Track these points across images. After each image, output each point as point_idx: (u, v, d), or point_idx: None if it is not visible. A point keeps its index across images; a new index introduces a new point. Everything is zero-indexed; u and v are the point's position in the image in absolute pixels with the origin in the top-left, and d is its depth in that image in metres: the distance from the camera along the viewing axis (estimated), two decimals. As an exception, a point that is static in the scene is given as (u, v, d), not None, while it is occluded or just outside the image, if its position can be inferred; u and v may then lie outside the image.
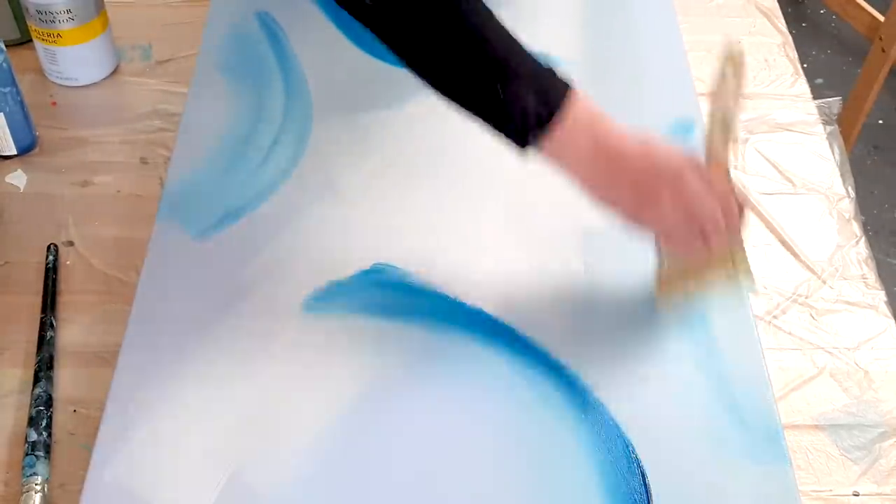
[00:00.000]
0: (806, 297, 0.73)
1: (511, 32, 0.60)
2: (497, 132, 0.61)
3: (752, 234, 0.77)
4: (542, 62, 0.60)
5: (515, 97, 0.59)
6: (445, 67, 0.61)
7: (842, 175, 0.83)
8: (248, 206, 0.75)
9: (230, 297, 0.69)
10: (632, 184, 0.61)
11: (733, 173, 0.64)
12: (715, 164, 0.64)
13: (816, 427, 0.65)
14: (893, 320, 0.72)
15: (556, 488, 0.60)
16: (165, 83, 0.88)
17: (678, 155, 0.62)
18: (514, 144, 0.61)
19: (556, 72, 0.60)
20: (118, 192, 0.78)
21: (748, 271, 0.65)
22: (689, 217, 0.61)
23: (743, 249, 0.64)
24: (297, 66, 0.87)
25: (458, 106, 0.62)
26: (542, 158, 0.61)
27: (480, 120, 0.61)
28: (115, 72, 0.89)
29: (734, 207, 0.63)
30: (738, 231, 0.64)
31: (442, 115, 0.83)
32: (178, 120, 0.82)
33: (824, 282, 0.74)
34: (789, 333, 0.71)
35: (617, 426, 0.62)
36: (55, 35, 0.83)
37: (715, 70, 0.66)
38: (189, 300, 0.68)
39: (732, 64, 0.65)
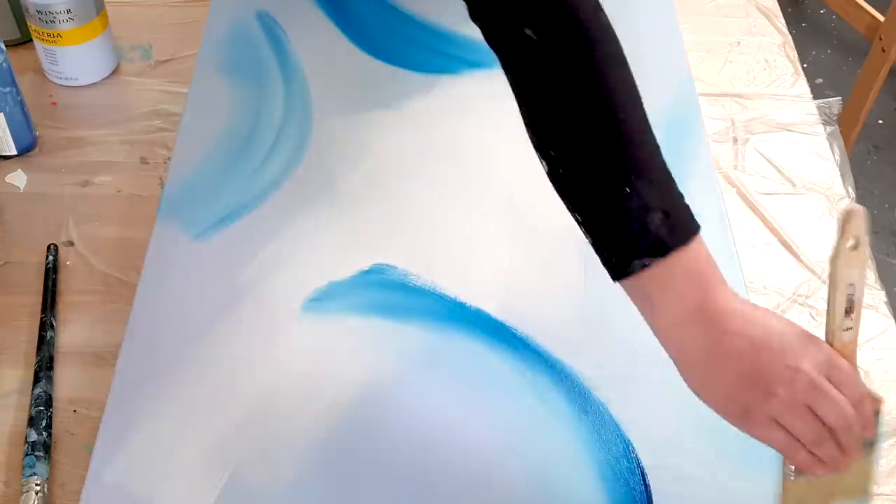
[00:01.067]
0: (806, 298, 0.73)
1: (652, 131, 0.53)
2: (601, 243, 0.53)
3: (752, 234, 0.77)
4: (676, 187, 0.52)
5: (641, 205, 0.50)
6: (573, 141, 0.52)
7: (842, 175, 0.83)
8: (248, 205, 0.75)
9: (230, 297, 0.69)
10: (736, 369, 0.50)
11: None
12: (841, 353, 0.52)
13: (816, 427, 0.65)
14: (894, 320, 0.72)
15: (556, 488, 0.60)
16: (165, 83, 0.88)
17: (802, 338, 0.50)
18: (612, 263, 0.52)
19: (686, 203, 0.53)
20: (118, 192, 0.78)
21: (870, 485, 0.55)
22: (815, 422, 0.49)
23: (874, 461, 0.54)
24: (297, 66, 0.87)
25: (568, 199, 0.54)
26: (635, 291, 0.52)
27: (588, 222, 0.53)
28: (115, 72, 0.89)
29: (869, 411, 0.51)
30: (873, 439, 0.52)
31: (442, 115, 0.84)
32: (178, 120, 0.82)
33: (825, 282, 0.74)
34: (789, 333, 0.70)
35: (617, 426, 0.62)
36: (55, 35, 0.83)
37: (836, 233, 0.53)
38: (189, 300, 0.68)
39: (857, 228, 0.52)
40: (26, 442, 0.61)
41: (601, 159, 0.52)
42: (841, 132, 0.87)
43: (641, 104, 0.54)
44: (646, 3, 0.96)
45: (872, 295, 0.73)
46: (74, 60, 0.85)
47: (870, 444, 0.53)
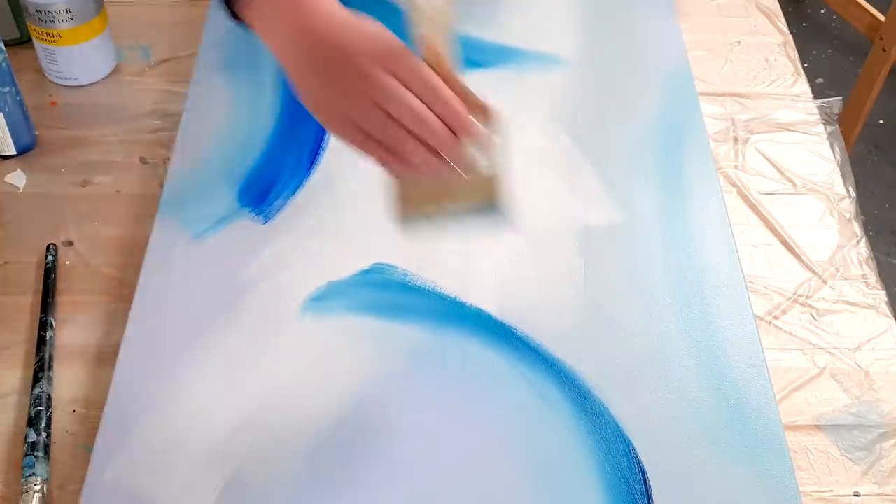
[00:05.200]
0: (807, 298, 0.73)
1: None
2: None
3: (753, 234, 0.77)
4: None
5: None
6: None
7: (842, 175, 0.83)
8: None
9: (230, 297, 0.69)
10: (320, 67, 0.55)
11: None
12: (428, 53, 0.55)
13: (817, 427, 0.65)
14: (894, 320, 0.72)
15: (556, 488, 0.60)
16: (165, 83, 0.88)
17: (386, 45, 0.54)
18: (228, 12, 0.61)
19: None
20: (118, 192, 0.78)
21: (496, 191, 0.56)
22: (387, 121, 0.53)
23: (495, 173, 0.56)
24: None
25: None
26: (255, 26, 0.60)
27: None
28: (114, 72, 0.89)
29: (456, 106, 0.53)
30: (472, 135, 0.54)
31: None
32: (178, 120, 0.82)
33: (825, 282, 0.74)
34: (790, 333, 0.70)
35: (617, 426, 0.62)
36: (54, 35, 0.83)
37: None
38: (189, 300, 0.68)
39: None
40: (26, 442, 0.61)
41: None
42: (841, 132, 0.87)
43: None
44: (646, 2, 0.96)
45: (873, 295, 0.73)
46: (74, 60, 0.85)
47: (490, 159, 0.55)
